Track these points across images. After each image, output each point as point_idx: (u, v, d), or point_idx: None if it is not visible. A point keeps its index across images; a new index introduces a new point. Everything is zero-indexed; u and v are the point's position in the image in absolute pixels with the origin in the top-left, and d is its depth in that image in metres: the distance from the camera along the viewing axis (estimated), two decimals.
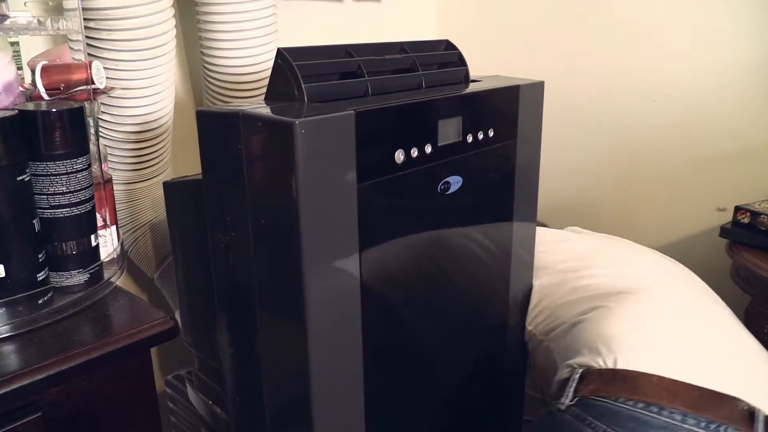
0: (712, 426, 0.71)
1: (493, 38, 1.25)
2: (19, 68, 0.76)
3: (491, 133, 0.82)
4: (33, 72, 0.71)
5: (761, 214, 1.02)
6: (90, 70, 0.74)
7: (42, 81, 0.71)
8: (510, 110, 0.87)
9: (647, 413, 0.73)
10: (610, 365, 0.79)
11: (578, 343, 0.85)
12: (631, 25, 1.28)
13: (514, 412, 1.08)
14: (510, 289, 0.97)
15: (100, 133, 0.90)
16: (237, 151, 0.63)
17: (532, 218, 0.99)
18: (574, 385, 0.80)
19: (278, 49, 0.69)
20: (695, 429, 0.71)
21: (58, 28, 0.71)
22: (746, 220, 1.04)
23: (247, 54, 0.97)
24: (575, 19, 1.34)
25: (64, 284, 0.68)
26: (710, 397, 0.74)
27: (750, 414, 0.73)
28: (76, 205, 0.66)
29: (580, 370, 0.82)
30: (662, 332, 0.83)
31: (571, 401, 0.79)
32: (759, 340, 0.85)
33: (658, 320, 0.84)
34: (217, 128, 0.66)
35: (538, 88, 0.90)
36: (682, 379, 0.75)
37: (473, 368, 0.94)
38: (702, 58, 1.21)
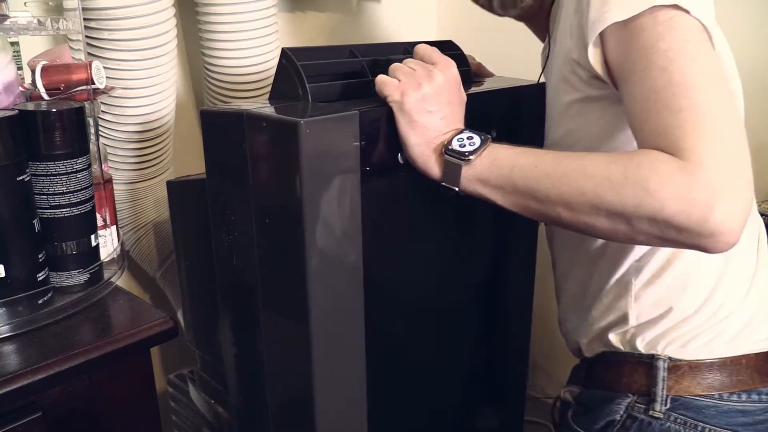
0: None
1: (493, 39, 1.25)
2: (19, 68, 0.76)
3: (494, 135, 0.82)
4: (33, 72, 0.71)
5: (762, 215, 1.02)
6: (90, 70, 0.74)
7: (42, 81, 0.71)
8: (513, 112, 0.87)
9: (751, 404, 0.69)
10: (687, 356, 0.71)
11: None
12: None
13: (515, 412, 1.08)
14: (512, 288, 0.97)
15: (102, 133, 0.90)
16: (241, 151, 0.63)
17: (534, 219, 0.98)
18: (665, 383, 0.72)
19: (283, 49, 0.69)
20: None
21: (58, 28, 0.71)
22: None
23: (247, 54, 0.97)
24: None
25: (64, 284, 0.68)
26: None
27: None
28: (76, 205, 0.66)
29: (666, 362, 0.72)
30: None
31: (666, 405, 0.71)
32: None
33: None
34: (221, 128, 0.66)
35: (540, 89, 0.90)
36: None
37: (475, 367, 0.94)
38: None
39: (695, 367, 0.71)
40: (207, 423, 0.92)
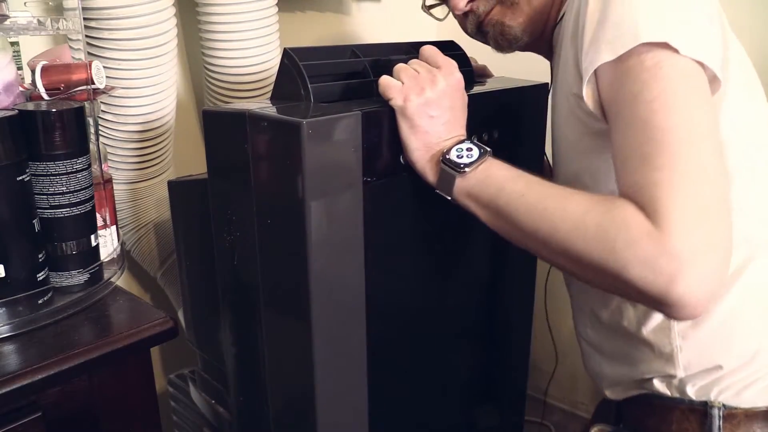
0: None
1: None
2: (19, 68, 0.76)
3: (496, 135, 0.82)
4: (33, 72, 0.71)
5: None
6: (90, 70, 0.74)
7: (42, 81, 0.71)
8: (515, 112, 0.87)
9: None
10: (743, 404, 0.68)
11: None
12: None
13: (515, 412, 1.08)
14: (513, 289, 0.97)
15: (102, 133, 0.90)
16: (243, 151, 0.63)
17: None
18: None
19: (285, 49, 0.69)
20: None
21: (58, 28, 0.71)
22: None
23: (247, 54, 0.97)
24: None
25: (64, 284, 0.68)
26: None
27: None
28: (76, 205, 0.66)
29: (721, 410, 0.69)
30: None
31: None
32: None
33: None
34: (223, 128, 0.66)
35: (542, 89, 0.90)
36: None
37: (476, 368, 0.94)
38: None
39: (751, 415, 0.68)
40: (207, 423, 0.92)
